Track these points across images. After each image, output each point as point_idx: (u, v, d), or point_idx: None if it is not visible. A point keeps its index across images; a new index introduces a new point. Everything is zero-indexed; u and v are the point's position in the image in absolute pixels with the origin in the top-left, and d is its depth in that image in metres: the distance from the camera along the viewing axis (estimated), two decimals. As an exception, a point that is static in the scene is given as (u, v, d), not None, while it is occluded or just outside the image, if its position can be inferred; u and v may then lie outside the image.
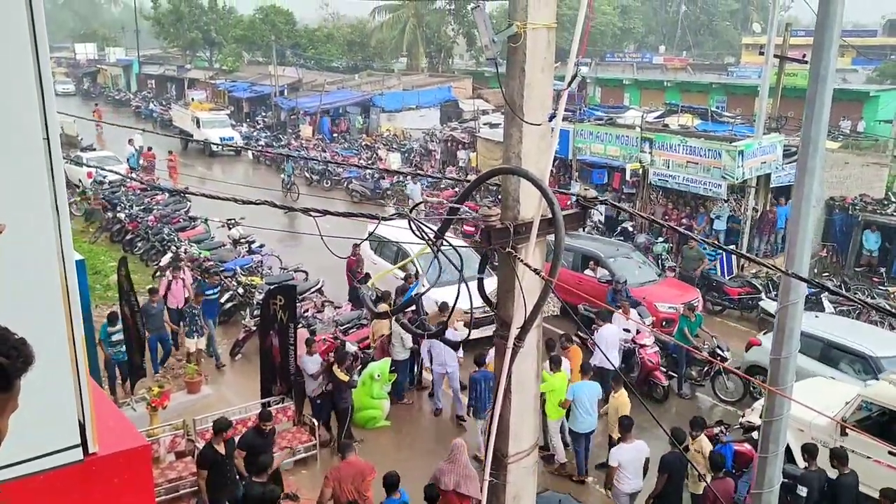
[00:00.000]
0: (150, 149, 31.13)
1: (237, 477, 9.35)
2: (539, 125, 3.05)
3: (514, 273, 3.18)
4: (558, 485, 10.38)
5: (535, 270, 3.04)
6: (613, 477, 9.21)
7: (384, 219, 4.68)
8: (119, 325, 12.72)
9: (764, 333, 13.40)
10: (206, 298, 14.52)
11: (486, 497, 3.38)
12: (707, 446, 9.43)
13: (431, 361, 12.21)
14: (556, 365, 10.75)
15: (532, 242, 3.13)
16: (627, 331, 13.33)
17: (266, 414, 9.88)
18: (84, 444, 2.23)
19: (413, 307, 12.48)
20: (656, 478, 9.13)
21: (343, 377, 11.45)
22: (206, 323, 14.24)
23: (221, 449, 9.01)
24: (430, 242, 3.21)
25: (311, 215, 3.75)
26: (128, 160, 29.67)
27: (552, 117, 3.10)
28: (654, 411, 12.25)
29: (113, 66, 65.25)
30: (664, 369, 13.22)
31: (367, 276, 16.27)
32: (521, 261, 3.05)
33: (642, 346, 13.15)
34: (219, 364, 14.40)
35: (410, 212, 3.39)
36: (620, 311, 13.40)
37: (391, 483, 8.25)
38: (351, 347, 13.59)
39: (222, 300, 16.13)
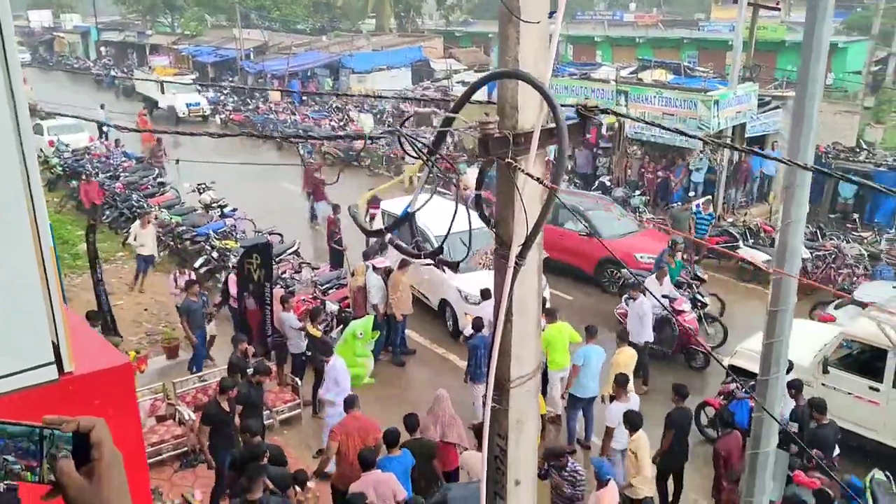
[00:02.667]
0: (144, 113, 30.46)
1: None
2: (538, 23, 2.85)
3: (514, 186, 2.99)
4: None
5: (538, 179, 2.86)
6: (611, 438, 9.04)
7: (370, 137, 4.45)
8: None
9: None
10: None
11: (488, 423, 3.24)
12: (645, 445, 8.52)
13: None
14: (550, 317, 10.55)
15: (533, 153, 2.95)
16: (667, 297, 12.68)
17: (261, 365, 9.83)
18: (59, 362, 2.02)
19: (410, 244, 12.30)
20: (662, 435, 8.95)
21: (316, 333, 11.31)
22: None
23: (226, 406, 8.88)
24: (423, 157, 3.01)
25: (291, 142, 3.50)
26: (102, 126, 28.68)
27: (552, 14, 2.90)
28: (693, 381, 11.73)
29: (70, 34, 63.17)
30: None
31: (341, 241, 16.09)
32: (523, 171, 2.86)
33: (680, 312, 12.49)
34: None
35: (401, 126, 3.19)
36: (656, 277, 12.84)
37: (392, 440, 8.03)
38: (332, 307, 13.44)
39: (196, 264, 15.84)
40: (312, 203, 19.51)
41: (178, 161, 19.31)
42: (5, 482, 1.23)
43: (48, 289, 2.22)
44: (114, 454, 1.26)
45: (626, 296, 13.35)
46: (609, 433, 9.06)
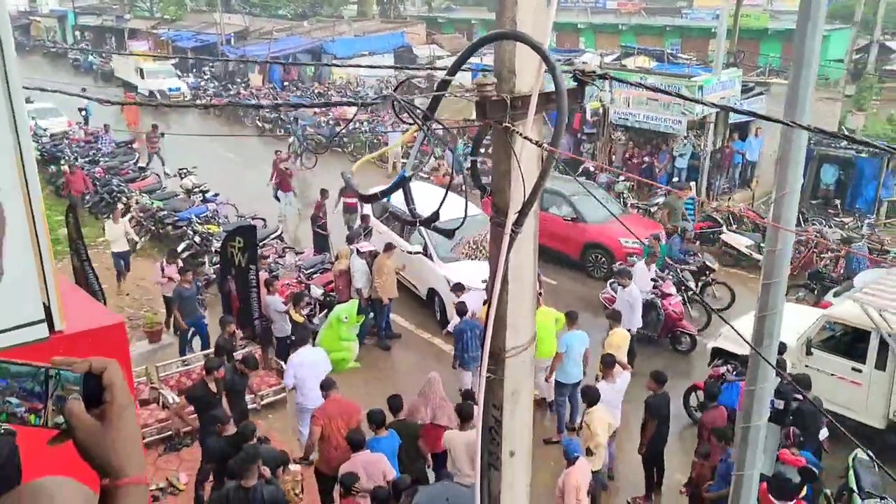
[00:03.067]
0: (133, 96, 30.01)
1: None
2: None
3: (512, 151, 2.94)
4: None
5: (537, 143, 2.82)
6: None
7: (363, 104, 4.38)
8: None
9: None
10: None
11: (482, 394, 3.20)
12: (600, 420, 8.57)
13: None
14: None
15: (531, 116, 2.90)
16: (655, 281, 12.84)
17: (249, 357, 9.71)
18: (49, 320, 1.96)
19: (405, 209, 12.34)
20: (642, 422, 8.96)
21: (299, 319, 11.20)
22: None
23: (213, 387, 8.81)
24: (418, 121, 2.96)
25: (283, 120, 3.43)
26: (84, 110, 28.20)
27: (552, -27, 2.84)
28: (679, 364, 12.05)
29: (46, 18, 62.03)
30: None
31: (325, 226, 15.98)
32: (521, 134, 2.81)
33: (666, 295, 12.59)
34: None
35: (395, 90, 3.13)
36: (645, 262, 12.91)
37: (379, 421, 7.99)
38: (316, 291, 13.35)
39: (178, 248, 15.68)
40: (276, 193, 18.73)
41: (163, 134, 19.09)
42: (4, 425, 1.16)
43: (39, 250, 2.16)
44: (127, 397, 1.19)
45: (612, 281, 13.39)
46: None
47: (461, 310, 10.71)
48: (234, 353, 10.16)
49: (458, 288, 11.78)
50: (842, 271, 14.39)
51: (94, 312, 2.17)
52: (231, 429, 8.01)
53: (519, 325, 3.31)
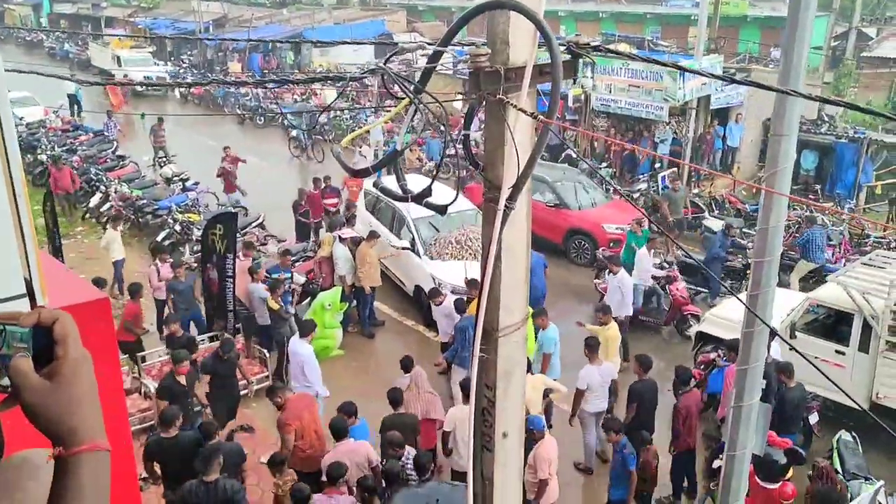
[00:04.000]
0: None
1: (198, 408, 9.20)
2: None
3: (506, 125, 2.88)
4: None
5: (532, 114, 2.75)
6: (580, 400, 9.03)
7: (353, 79, 4.30)
8: None
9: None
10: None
11: (476, 374, 3.15)
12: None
13: None
14: None
15: (525, 88, 2.84)
16: (661, 267, 12.84)
17: (226, 342, 9.64)
18: (31, 295, 1.87)
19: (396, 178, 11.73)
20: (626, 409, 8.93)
21: (275, 306, 11.06)
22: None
23: (182, 381, 8.76)
24: (410, 95, 2.88)
25: (285, 117, 3.34)
26: (73, 97, 27.62)
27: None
28: (683, 348, 12.02)
29: (20, 6, 60.94)
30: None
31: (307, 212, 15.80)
32: (515, 106, 2.75)
33: (672, 280, 12.55)
34: None
35: (386, 63, 3.05)
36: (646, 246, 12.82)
37: (349, 412, 7.92)
38: (299, 279, 13.23)
39: (159, 238, 15.47)
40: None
41: (143, 115, 18.76)
42: None
43: (20, 225, 2.08)
44: (82, 353, 1.04)
45: (604, 269, 13.31)
46: (578, 396, 9.02)
47: (460, 307, 10.37)
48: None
49: (434, 294, 11.09)
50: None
51: (78, 287, 2.09)
52: (173, 431, 7.67)
53: (512, 304, 3.26)
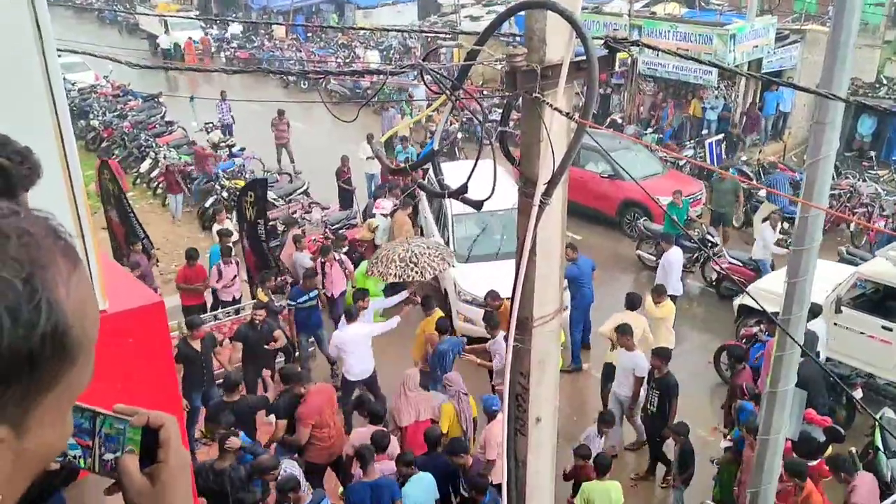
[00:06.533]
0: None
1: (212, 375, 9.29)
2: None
3: (542, 122, 2.92)
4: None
5: (566, 114, 2.79)
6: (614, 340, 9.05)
7: (392, 73, 4.34)
8: None
9: None
10: (300, 307, 10.59)
11: (510, 362, 3.25)
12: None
13: None
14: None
15: (561, 86, 2.87)
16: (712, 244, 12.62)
17: (256, 304, 9.79)
18: (92, 301, 1.99)
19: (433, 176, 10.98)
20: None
21: (263, 298, 10.64)
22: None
23: (196, 346, 8.90)
24: (446, 91, 2.93)
25: (310, 79, 3.41)
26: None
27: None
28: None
29: (70, -31, 61.71)
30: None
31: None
32: (550, 105, 2.79)
33: (719, 256, 12.39)
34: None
35: (424, 60, 3.10)
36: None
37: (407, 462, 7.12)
38: (305, 259, 13.20)
39: (206, 204, 15.83)
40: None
41: (192, 98, 19.03)
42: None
43: (81, 229, 2.20)
44: (183, 458, 1.11)
45: (645, 239, 13.10)
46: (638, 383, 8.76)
47: (443, 327, 9.34)
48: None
49: (426, 304, 9.89)
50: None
51: (135, 291, 2.23)
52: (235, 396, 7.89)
53: (546, 297, 3.33)
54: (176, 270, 13.76)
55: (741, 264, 12.67)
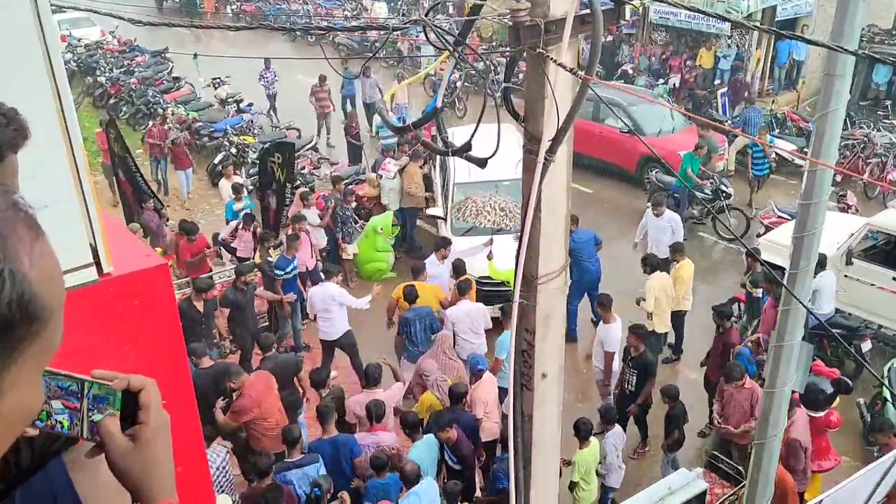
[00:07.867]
0: None
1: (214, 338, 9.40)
2: None
3: (546, 78, 2.88)
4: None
5: (571, 70, 2.75)
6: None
7: (394, 29, 4.30)
8: None
9: None
10: (287, 278, 10.11)
11: (516, 319, 3.27)
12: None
13: None
14: None
15: (565, 41, 2.82)
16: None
17: (244, 268, 9.49)
18: (97, 263, 2.03)
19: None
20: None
21: (257, 259, 10.45)
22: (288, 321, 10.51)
23: (200, 307, 8.93)
24: (448, 48, 2.90)
25: (312, 34, 3.37)
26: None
27: None
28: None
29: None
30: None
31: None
32: (554, 60, 2.75)
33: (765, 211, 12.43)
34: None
35: (426, 15, 3.05)
36: None
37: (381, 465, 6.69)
38: (313, 217, 13.13)
39: (216, 161, 15.83)
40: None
41: (196, 56, 18.86)
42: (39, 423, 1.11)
43: (83, 193, 2.21)
44: (162, 419, 1.16)
45: (656, 192, 12.92)
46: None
47: (411, 295, 9.03)
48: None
49: (416, 272, 9.70)
50: None
51: (138, 253, 2.24)
52: (207, 361, 7.74)
53: (551, 253, 3.34)
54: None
55: (789, 217, 12.32)
